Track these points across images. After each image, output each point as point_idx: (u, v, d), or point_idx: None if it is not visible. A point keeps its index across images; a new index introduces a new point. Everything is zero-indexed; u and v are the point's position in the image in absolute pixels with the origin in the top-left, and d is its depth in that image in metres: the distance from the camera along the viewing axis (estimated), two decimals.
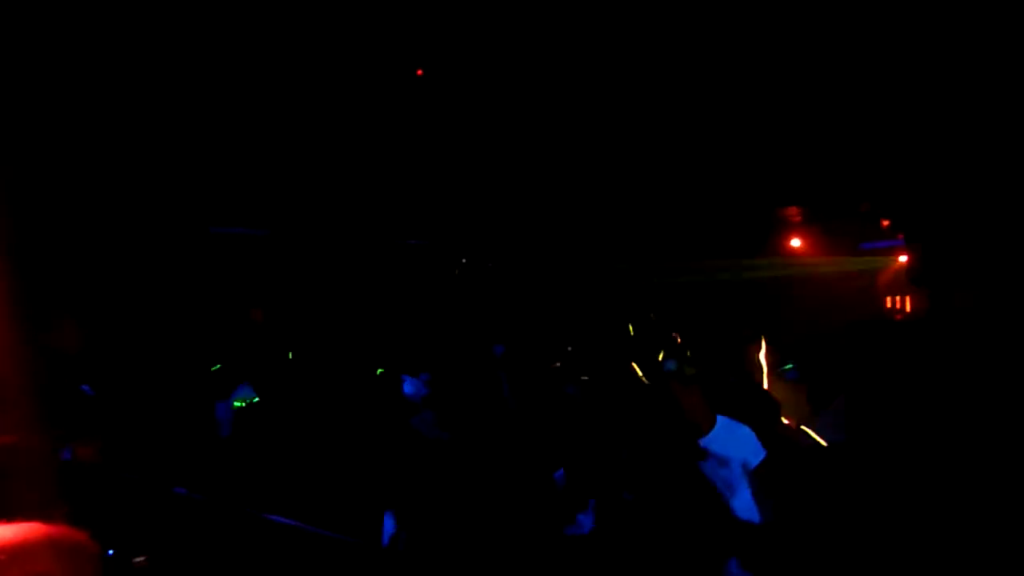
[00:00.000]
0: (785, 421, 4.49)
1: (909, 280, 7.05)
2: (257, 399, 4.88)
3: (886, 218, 9.11)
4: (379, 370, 5.80)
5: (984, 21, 5.17)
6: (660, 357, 4.29)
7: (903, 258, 9.64)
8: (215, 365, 5.47)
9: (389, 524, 3.20)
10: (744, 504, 3.61)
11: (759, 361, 5.81)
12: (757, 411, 4.41)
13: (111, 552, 1.45)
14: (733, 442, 3.90)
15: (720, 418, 4.11)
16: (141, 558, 1.41)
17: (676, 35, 5.67)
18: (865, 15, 5.34)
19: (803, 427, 4.39)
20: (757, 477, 3.70)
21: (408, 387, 5.63)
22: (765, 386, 4.62)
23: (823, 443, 4.21)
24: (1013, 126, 5.59)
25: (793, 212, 10.05)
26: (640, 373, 4.35)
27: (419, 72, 5.96)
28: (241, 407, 4.77)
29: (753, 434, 3.98)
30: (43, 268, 6.18)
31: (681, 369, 4.10)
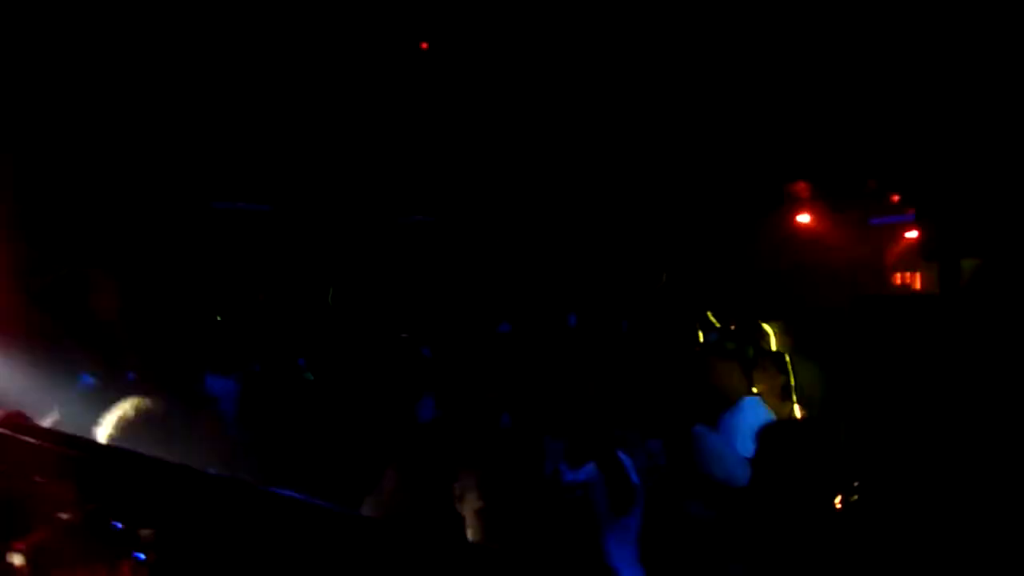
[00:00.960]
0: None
1: (920, 255, 7.00)
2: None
3: (896, 194, 9.04)
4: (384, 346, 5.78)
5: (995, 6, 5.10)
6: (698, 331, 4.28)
7: (912, 234, 9.58)
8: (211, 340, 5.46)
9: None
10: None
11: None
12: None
13: (118, 526, 1.44)
14: (757, 420, 3.89)
15: (750, 398, 4.11)
16: (147, 531, 1.39)
17: (684, 11, 5.60)
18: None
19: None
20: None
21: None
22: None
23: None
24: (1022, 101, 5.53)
25: (802, 188, 9.99)
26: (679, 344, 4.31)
27: (423, 46, 5.90)
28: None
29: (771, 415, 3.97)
30: (50, 246, 6.19)
31: (722, 343, 4.11)
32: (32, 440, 1.63)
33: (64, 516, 1.45)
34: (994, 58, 5.41)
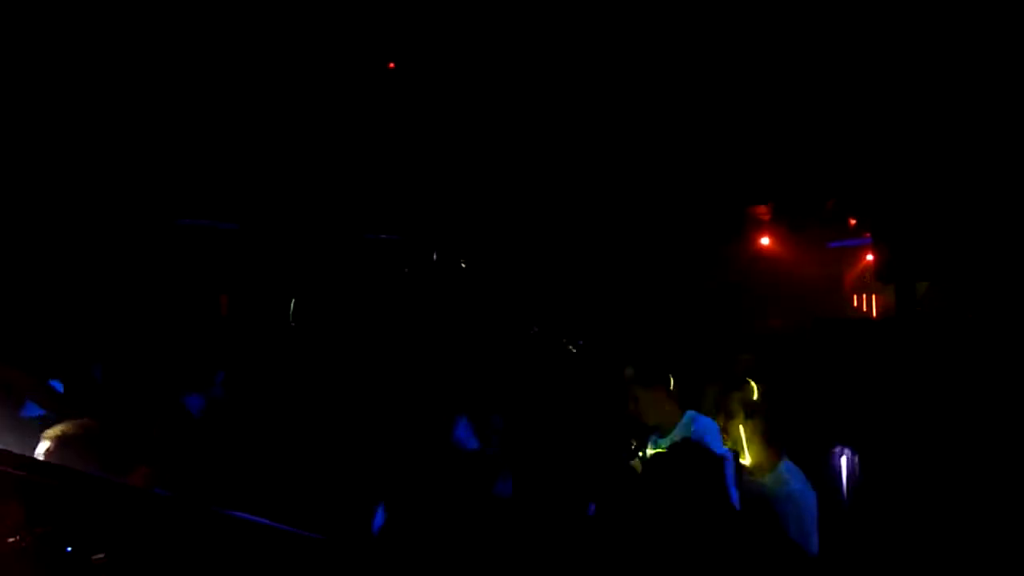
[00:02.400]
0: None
1: (876, 278, 7.14)
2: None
3: (853, 216, 9.21)
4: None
5: (949, 20, 5.24)
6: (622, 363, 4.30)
7: (869, 256, 9.75)
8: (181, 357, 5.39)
9: (379, 517, 3.16)
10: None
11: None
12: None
13: (69, 549, 1.41)
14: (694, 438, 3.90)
15: (689, 413, 4.13)
16: (100, 555, 1.37)
17: (647, 35, 5.68)
18: (832, 16, 5.39)
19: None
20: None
21: None
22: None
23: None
24: (980, 123, 5.68)
25: (761, 211, 10.13)
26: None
27: (391, 65, 5.92)
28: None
29: (716, 428, 3.98)
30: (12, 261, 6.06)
31: (643, 372, 4.13)
32: None
33: (13, 540, 1.42)
34: (949, 83, 5.56)
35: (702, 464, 3.02)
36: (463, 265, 10.23)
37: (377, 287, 9.67)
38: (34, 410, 3.89)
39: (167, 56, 5.56)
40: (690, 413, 4.12)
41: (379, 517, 3.09)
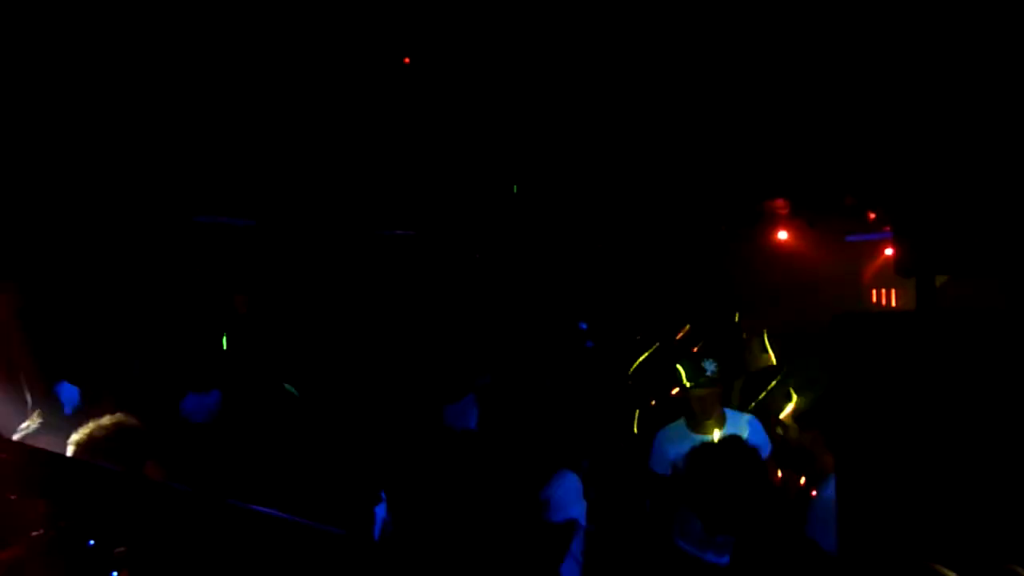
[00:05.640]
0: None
1: (896, 272, 7.06)
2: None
3: (872, 210, 9.12)
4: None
5: (967, 14, 5.17)
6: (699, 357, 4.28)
7: (889, 251, 9.66)
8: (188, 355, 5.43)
9: (381, 512, 3.18)
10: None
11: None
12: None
13: (91, 543, 1.42)
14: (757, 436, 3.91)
15: (727, 411, 4.14)
16: (121, 548, 1.38)
17: (661, 28, 5.65)
18: (846, 11, 5.34)
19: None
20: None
21: None
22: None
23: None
24: (1003, 114, 5.61)
25: (779, 205, 10.06)
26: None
27: (406, 60, 5.92)
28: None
29: (759, 425, 3.98)
30: (26, 261, 6.12)
31: (719, 369, 4.14)
32: (4, 456, 1.61)
33: (37, 533, 1.43)
34: (969, 75, 5.49)
35: None
36: (477, 256, 10.24)
37: (392, 283, 9.70)
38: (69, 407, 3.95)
39: (182, 53, 5.59)
40: (729, 411, 4.14)
41: (381, 509, 3.11)
